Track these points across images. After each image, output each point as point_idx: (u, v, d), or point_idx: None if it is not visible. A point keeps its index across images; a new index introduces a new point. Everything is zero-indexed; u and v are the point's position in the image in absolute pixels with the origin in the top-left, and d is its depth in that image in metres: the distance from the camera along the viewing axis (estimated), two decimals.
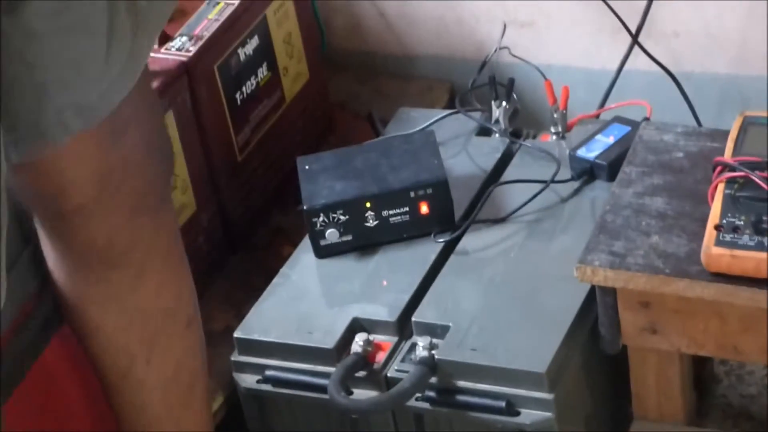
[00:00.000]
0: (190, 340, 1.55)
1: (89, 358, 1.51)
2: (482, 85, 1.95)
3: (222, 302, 1.87)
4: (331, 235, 1.72)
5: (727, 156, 1.56)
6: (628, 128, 1.79)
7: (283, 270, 1.74)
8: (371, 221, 1.72)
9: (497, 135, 1.88)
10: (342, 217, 1.71)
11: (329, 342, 1.62)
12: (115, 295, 1.45)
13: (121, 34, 1.22)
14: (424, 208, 1.72)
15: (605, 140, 1.78)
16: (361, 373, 1.60)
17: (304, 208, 1.72)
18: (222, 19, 1.87)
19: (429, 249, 1.72)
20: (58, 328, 1.56)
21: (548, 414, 1.54)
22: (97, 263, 1.41)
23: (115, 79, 1.25)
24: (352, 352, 1.60)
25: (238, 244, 1.97)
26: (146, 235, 1.43)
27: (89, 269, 1.42)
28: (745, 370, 1.85)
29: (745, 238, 1.47)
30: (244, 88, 1.91)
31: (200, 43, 1.83)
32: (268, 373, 1.65)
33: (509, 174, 1.81)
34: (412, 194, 1.71)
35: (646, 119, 1.78)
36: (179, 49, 1.82)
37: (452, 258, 1.70)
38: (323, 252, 1.73)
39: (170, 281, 1.50)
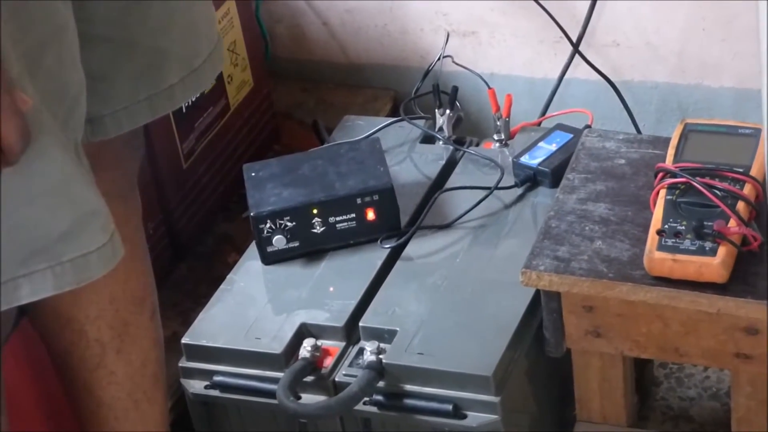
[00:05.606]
0: (155, 330, 1.56)
1: (57, 356, 1.51)
2: (426, 93, 1.97)
3: (169, 310, 1.87)
4: (278, 241, 1.73)
5: (669, 162, 1.59)
6: (570, 136, 1.82)
7: (230, 276, 1.75)
8: (318, 227, 1.73)
9: (441, 142, 1.90)
10: (289, 224, 1.72)
11: (277, 347, 1.63)
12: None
13: None
14: (370, 215, 1.73)
15: (548, 147, 1.81)
16: (309, 378, 1.61)
17: (251, 214, 1.73)
18: None
19: (375, 255, 1.73)
20: (9, 336, 1.55)
21: (494, 417, 1.56)
22: None
23: None
24: (300, 357, 1.61)
25: (184, 252, 1.98)
26: (115, 220, 1.44)
27: None
28: (684, 373, 1.88)
29: (687, 243, 1.50)
30: None
31: None
32: (216, 378, 1.65)
33: (453, 181, 1.83)
34: (358, 201, 1.73)
35: (588, 127, 1.80)
36: None
37: (399, 264, 1.72)
38: (270, 258, 1.74)
39: (137, 270, 1.51)
